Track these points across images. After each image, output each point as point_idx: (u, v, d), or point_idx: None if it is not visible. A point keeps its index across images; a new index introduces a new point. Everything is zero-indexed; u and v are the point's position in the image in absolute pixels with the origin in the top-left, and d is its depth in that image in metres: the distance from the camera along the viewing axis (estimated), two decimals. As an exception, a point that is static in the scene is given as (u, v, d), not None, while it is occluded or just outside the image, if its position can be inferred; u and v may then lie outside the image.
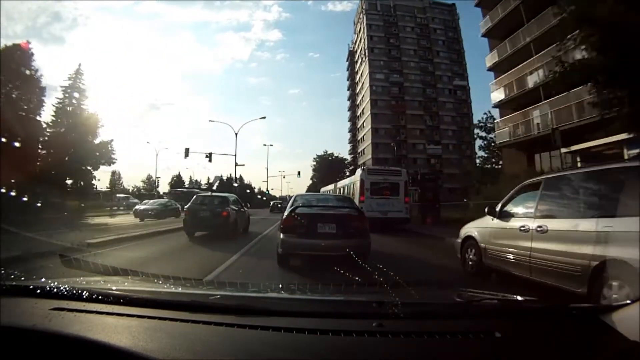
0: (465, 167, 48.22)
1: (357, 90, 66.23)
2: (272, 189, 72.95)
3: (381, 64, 56.95)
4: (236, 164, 30.37)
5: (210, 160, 30.28)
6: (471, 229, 5.87)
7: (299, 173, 58.64)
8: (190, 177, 73.82)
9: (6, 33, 66.20)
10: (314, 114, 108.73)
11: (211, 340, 1.07)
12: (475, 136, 33.41)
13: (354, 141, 69.24)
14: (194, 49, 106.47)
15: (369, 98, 56.77)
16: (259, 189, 58.85)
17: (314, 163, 66.12)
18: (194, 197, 12.55)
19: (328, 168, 57.62)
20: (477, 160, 43.49)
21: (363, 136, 60.82)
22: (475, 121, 41.37)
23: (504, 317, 1.29)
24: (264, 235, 11.25)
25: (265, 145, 54.21)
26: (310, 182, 65.90)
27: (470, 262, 5.65)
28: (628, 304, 1.14)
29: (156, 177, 46.81)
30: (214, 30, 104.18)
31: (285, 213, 6.01)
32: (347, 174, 49.70)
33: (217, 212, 10.84)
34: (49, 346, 1.02)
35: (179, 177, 71.68)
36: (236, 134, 29.66)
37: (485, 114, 31.74)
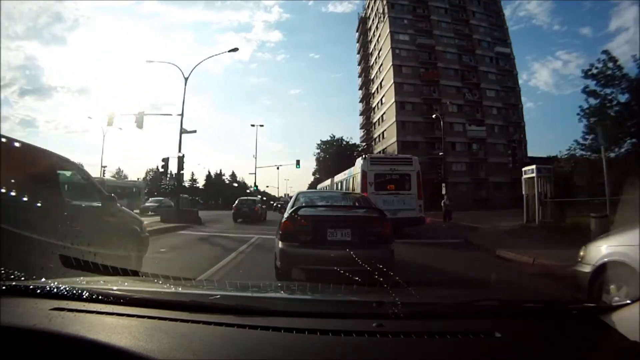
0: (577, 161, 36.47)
1: (372, 63, 53.14)
2: (267, 187, 66.54)
3: (405, 23, 44.65)
4: (182, 131, 18.57)
5: (140, 127, 19.19)
6: (618, 248, 3.24)
7: (297, 162, 40.70)
8: (171, 171, 65.61)
9: (7, 33, 66.01)
10: (314, 114, 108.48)
11: (211, 340, 1.07)
12: (585, 92, 17.92)
13: (368, 125, 55.15)
14: (195, 49, 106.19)
15: (390, 64, 43.62)
16: (253, 185, 47.00)
17: (318, 151, 53.05)
18: (238, 200, 20.79)
19: (336, 157, 45.04)
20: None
21: (382, 116, 47.67)
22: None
23: (504, 317, 1.29)
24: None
25: (253, 125, 44.38)
26: (313, 178, 55.43)
27: None
28: (628, 303, 1.15)
29: (102, 167, 36.00)
30: (214, 30, 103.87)
31: (285, 215, 4.90)
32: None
33: (252, 208, 20.20)
34: (49, 346, 1.02)
35: (156, 171, 60.51)
36: (186, 79, 19.23)
37: (604, 52, 18.30)
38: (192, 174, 64.85)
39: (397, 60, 43.55)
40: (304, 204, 5.17)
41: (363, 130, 57.73)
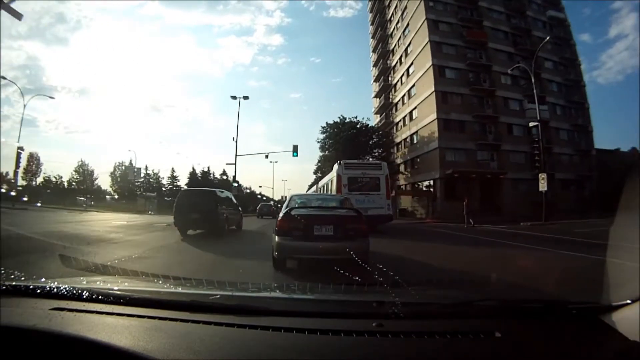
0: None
1: (391, 30, 41.99)
2: (261, 187, 62.75)
3: (439, -29, 33.99)
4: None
5: (19, 18, 11.86)
6: None
7: (295, 148, 28.65)
8: (146, 166, 55.58)
9: (9, 33, 65.60)
10: (315, 118, 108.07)
11: (211, 340, 1.07)
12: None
13: (387, 107, 43.12)
14: (196, 52, 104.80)
15: (423, 19, 32.91)
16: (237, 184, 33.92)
17: (323, 137, 39.70)
18: (260, 204, 33.99)
19: (348, 144, 33.94)
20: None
21: (409, 91, 36.41)
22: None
23: (504, 317, 1.29)
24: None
25: (234, 98, 28.96)
26: (314, 178, 44.56)
27: None
28: (628, 303, 1.14)
29: (17, 149, 26.46)
30: (216, 34, 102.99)
31: (281, 214, 5.84)
32: (377, 154, 36.25)
33: (269, 208, 31.90)
34: (49, 346, 1.02)
35: (131, 164, 50.61)
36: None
37: None
38: (173, 170, 56.41)
39: (432, 13, 32.99)
40: (296, 205, 6.09)
41: (379, 114, 45.65)
